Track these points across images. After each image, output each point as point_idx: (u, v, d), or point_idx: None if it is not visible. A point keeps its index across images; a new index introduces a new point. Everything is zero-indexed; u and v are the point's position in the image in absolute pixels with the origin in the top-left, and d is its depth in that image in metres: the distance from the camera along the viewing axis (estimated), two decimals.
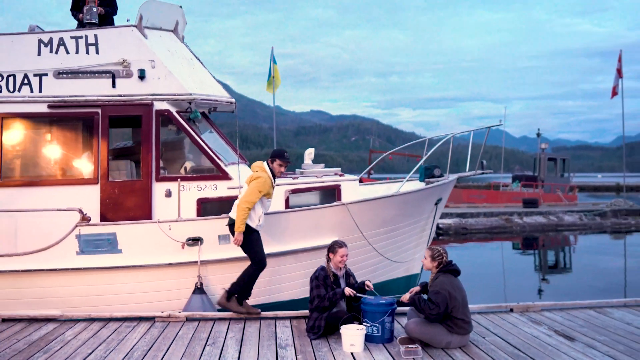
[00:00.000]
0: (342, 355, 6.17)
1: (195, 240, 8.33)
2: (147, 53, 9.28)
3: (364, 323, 6.62)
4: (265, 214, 7.97)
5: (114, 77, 9.21)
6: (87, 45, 9.26)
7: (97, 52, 9.24)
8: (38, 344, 6.67)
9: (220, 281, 8.29)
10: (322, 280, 6.99)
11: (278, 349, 6.42)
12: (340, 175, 10.44)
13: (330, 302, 6.86)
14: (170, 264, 8.31)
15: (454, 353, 6.18)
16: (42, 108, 9.15)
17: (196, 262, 8.33)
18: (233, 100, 10.50)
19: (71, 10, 10.05)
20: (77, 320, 7.68)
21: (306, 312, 7.49)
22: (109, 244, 8.21)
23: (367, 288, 7.08)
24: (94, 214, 8.83)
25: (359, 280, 7.46)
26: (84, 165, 9.33)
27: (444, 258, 6.58)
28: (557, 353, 6.18)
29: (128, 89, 9.22)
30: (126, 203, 9.10)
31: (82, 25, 9.70)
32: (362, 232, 9.32)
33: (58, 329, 7.34)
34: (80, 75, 9.19)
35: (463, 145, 10.71)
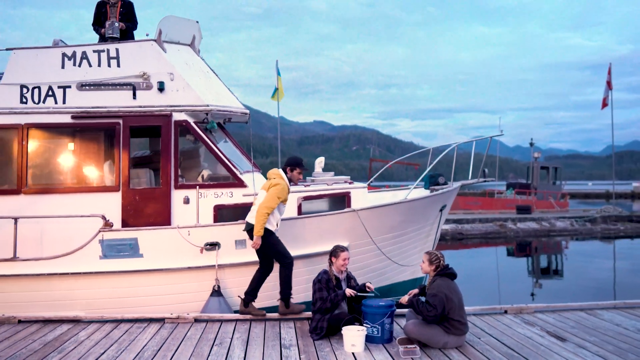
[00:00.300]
0: (343, 355, 6.15)
1: (213, 245, 8.29)
2: (166, 66, 9.27)
3: (364, 324, 6.60)
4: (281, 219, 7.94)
5: (134, 89, 9.21)
6: (109, 58, 9.26)
7: (118, 65, 9.24)
8: (53, 344, 6.63)
9: (236, 284, 8.24)
10: (325, 283, 6.97)
11: (282, 349, 6.38)
12: (350, 183, 10.41)
13: (333, 304, 6.84)
14: (189, 268, 8.26)
15: (450, 353, 6.17)
16: (66, 119, 9.14)
17: (214, 266, 8.29)
18: (247, 111, 10.49)
19: (93, 25, 10.04)
20: (90, 322, 7.63)
21: (309, 313, 7.48)
22: (131, 249, 8.17)
23: (368, 289, 7.03)
24: (116, 220, 8.83)
25: (359, 283, 7.44)
26: (106, 173, 9.31)
27: (441, 262, 6.58)
28: (549, 353, 6.16)
29: (148, 100, 9.21)
30: (146, 209, 9.07)
31: (103, 39, 9.71)
32: (371, 237, 9.28)
33: (72, 329, 7.30)
34: (102, 87, 9.19)
35: (459, 154, 10.71)
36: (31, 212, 8.73)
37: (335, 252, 7.17)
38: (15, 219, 8.18)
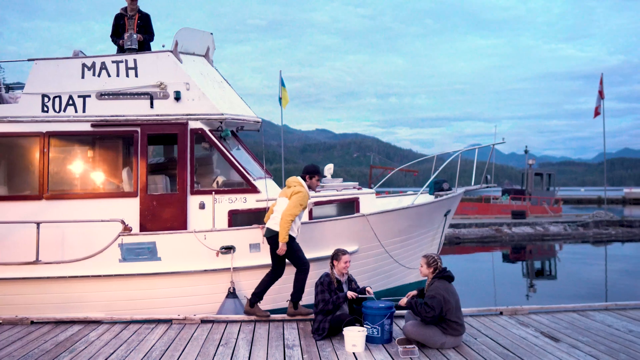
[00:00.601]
0: (344, 354, 6.10)
1: (228, 249, 8.23)
2: (182, 76, 9.23)
3: (365, 325, 6.54)
4: None
5: (152, 98, 9.16)
6: (127, 69, 9.22)
7: (136, 75, 9.20)
8: (64, 344, 6.55)
9: (251, 286, 8.16)
10: (327, 285, 6.92)
11: (286, 349, 6.32)
12: (358, 189, 10.35)
13: (334, 306, 6.79)
14: (205, 271, 8.20)
15: (448, 353, 6.11)
16: (86, 127, 9.10)
17: (229, 268, 8.22)
18: (259, 119, 10.45)
19: (111, 36, 9.99)
20: (100, 323, 7.55)
21: (311, 315, 7.43)
22: (149, 252, 8.11)
23: (367, 294, 6.96)
24: (134, 224, 8.77)
25: (368, 284, 7.41)
26: (124, 179, 9.26)
27: (439, 265, 6.52)
28: (543, 353, 6.10)
29: (165, 109, 9.17)
30: (163, 214, 9.01)
31: (121, 50, 9.67)
32: (379, 240, 9.22)
33: (82, 330, 7.21)
34: (121, 96, 9.15)
35: (456, 161, 10.69)
36: (52, 217, 8.68)
37: (336, 255, 7.11)
38: (38, 224, 8.13)
